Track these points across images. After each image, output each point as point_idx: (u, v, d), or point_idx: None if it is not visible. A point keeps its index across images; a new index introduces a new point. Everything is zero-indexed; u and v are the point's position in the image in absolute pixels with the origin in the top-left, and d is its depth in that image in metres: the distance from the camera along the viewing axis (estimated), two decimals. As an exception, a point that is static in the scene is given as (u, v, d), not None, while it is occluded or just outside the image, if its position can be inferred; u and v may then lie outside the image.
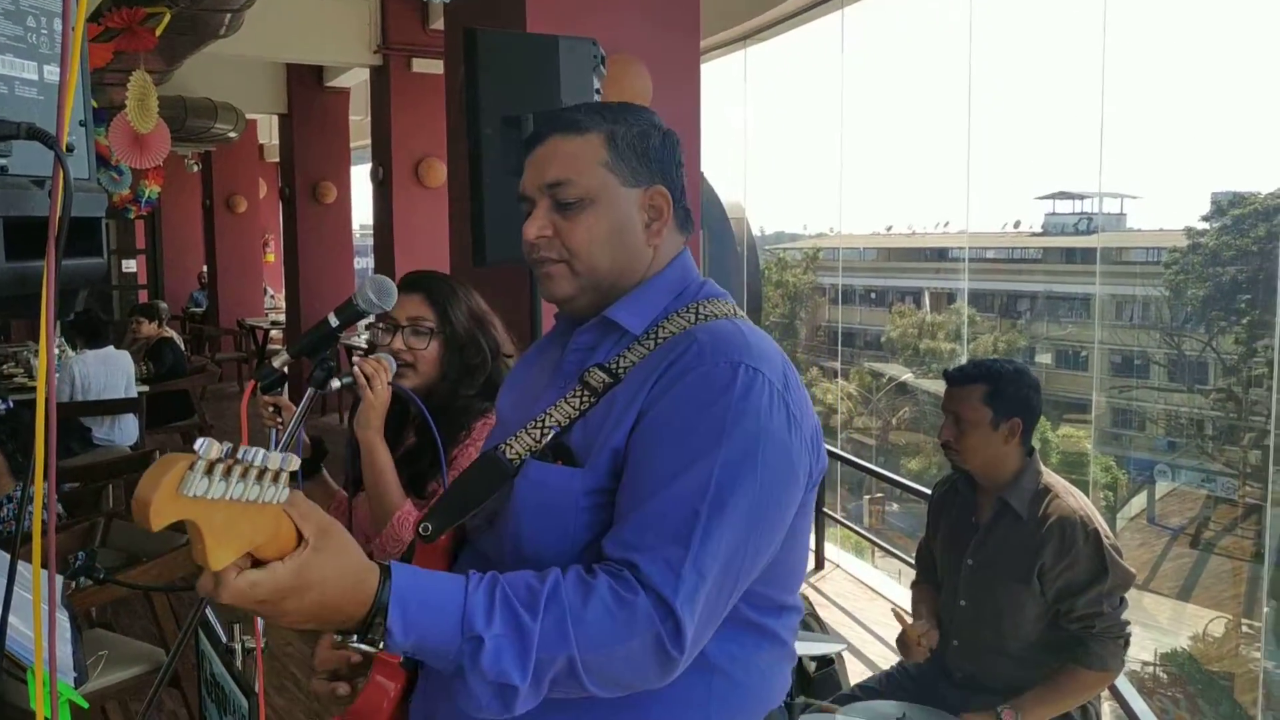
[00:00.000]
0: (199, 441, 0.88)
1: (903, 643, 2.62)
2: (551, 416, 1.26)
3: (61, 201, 0.96)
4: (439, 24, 6.93)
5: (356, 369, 1.95)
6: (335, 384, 1.89)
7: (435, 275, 2.19)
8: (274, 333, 11.49)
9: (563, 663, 1.09)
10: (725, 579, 1.16)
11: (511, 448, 1.25)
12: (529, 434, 1.26)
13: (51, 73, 1.05)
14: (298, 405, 1.85)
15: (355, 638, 1.07)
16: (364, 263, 12.96)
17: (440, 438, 1.78)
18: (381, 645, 1.07)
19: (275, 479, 0.94)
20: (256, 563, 1.00)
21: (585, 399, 1.25)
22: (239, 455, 0.90)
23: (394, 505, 1.97)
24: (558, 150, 1.31)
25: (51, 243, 0.96)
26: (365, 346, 2.19)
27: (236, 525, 0.93)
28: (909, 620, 2.66)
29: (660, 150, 1.33)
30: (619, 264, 1.31)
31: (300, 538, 1.01)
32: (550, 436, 1.25)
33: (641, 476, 1.18)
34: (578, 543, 1.21)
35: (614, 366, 1.26)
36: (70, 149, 1.03)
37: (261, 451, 0.92)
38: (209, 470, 0.89)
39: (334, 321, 1.64)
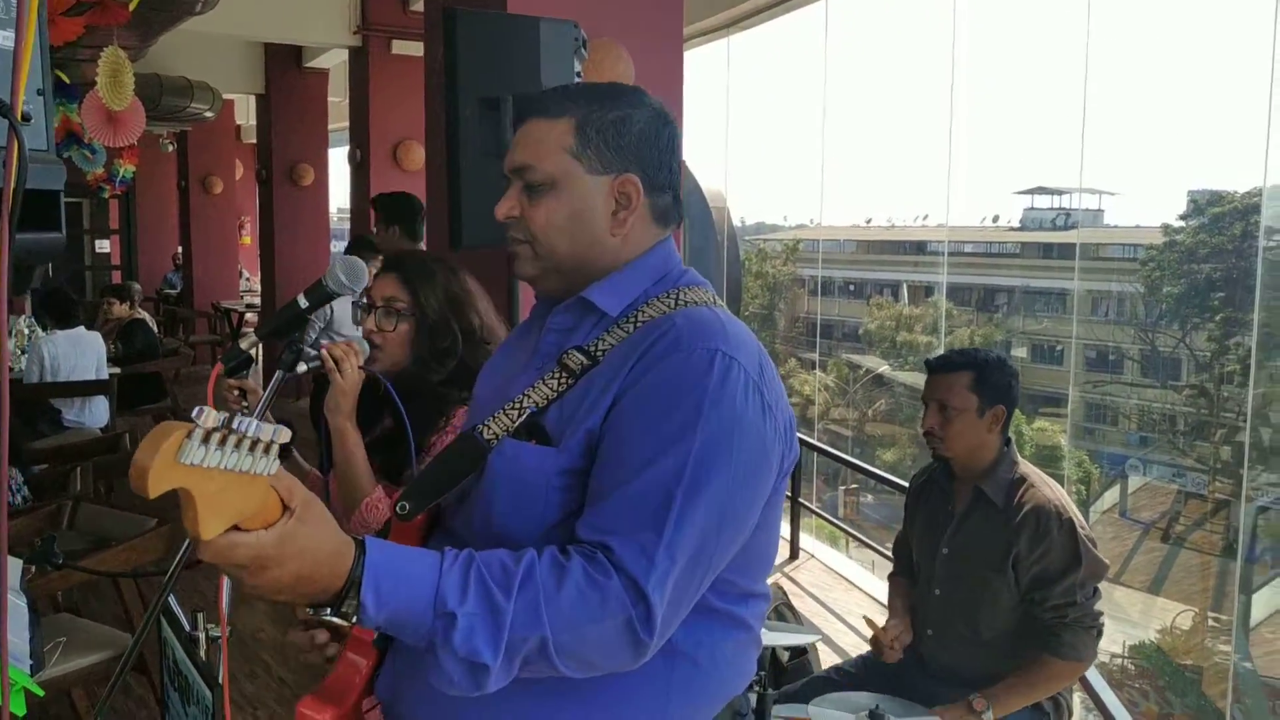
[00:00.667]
0: (197, 409, 0.89)
1: (876, 644, 2.63)
2: (529, 397, 1.26)
3: (16, 173, 0.93)
4: (419, 5, 6.87)
5: (325, 352, 1.91)
6: (301, 367, 1.86)
7: (414, 255, 2.17)
8: (249, 315, 11.39)
9: (535, 643, 1.09)
10: (697, 564, 1.17)
11: (489, 428, 1.26)
12: (506, 414, 1.26)
13: (6, 38, 1.01)
14: (267, 388, 1.81)
15: (329, 611, 1.08)
16: (341, 246, 12.87)
17: (410, 423, 1.75)
18: (355, 620, 1.08)
19: (266, 450, 0.94)
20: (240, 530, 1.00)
21: (563, 380, 1.25)
22: (234, 425, 0.91)
23: (363, 491, 1.94)
24: (530, 134, 1.31)
25: (5, 216, 0.92)
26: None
27: (227, 495, 0.94)
28: (880, 626, 2.66)
29: (639, 138, 1.30)
30: (578, 249, 1.30)
31: (285, 508, 1.02)
32: (526, 416, 1.24)
33: (616, 460, 1.18)
34: (548, 522, 1.22)
35: (592, 349, 1.26)
36: (26, 118, 1.00)
37: (256, 422, 0.92)
38: (205, 439, 0.89)
39: (303, 303, 1.61)
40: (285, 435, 0.95)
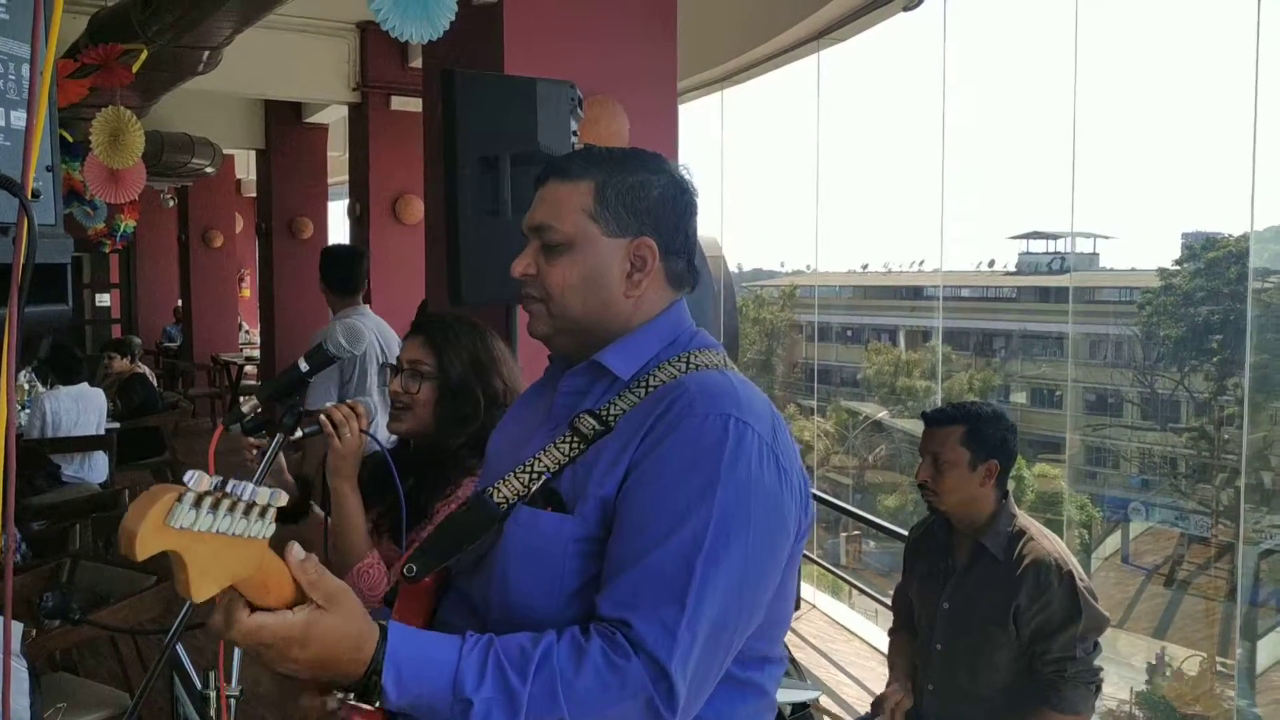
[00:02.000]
0: (189, 474, 0.90)
1: (877, 709, 2.63)
2: (541, 461, 1.26)
3: (25, 249, 0.95)
4: (418, 62, 6.96)
5: (323, 417, 1.89)
6: (298, 433, 1.85)
7: (442, 318, 2.14)
8: (248, 368, 11.41)
9: None
10: (720, 637, 1.16)
11: (500, 491, 1.26)
12: (518, 478, 1.26)
13: (19, 119, 1.04)
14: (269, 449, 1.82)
15: (353, 696, 1.09)
16: (341, 298, 12.92)
17: (421, 488, 1.73)
18: (377, 704, 1.09)
19: (262, 514, 0.95)
20: (256, 607, 1.01)
21: (575, 445, 1.26)
22: (227, 489, 0.91)
23: (357, 555, 1.93)
24: (549, 194, 1.33)
25: (15, 291, 0.95)
26: None
27: (220, 558, 0.94)
28: (880, 694, 2.66)
29: (656, 203, 1.32)
30: (592, 310, 1.31)
31: (298, 588, 1.03)
32: (541, 482, 1.25)
33: (634, 532, 1.18)
34: (565, 589, 1.22)
35: (604, 414, 1.26)
36: (36, 195, 1.02)
37: (250, 486, 0.93)
38: (197, 502, 0.89)
39: (304, 366, 1.63)
40: (282, 499, 0.95)
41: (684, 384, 1.24)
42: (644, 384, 1.27)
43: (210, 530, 0.91)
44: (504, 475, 1.27)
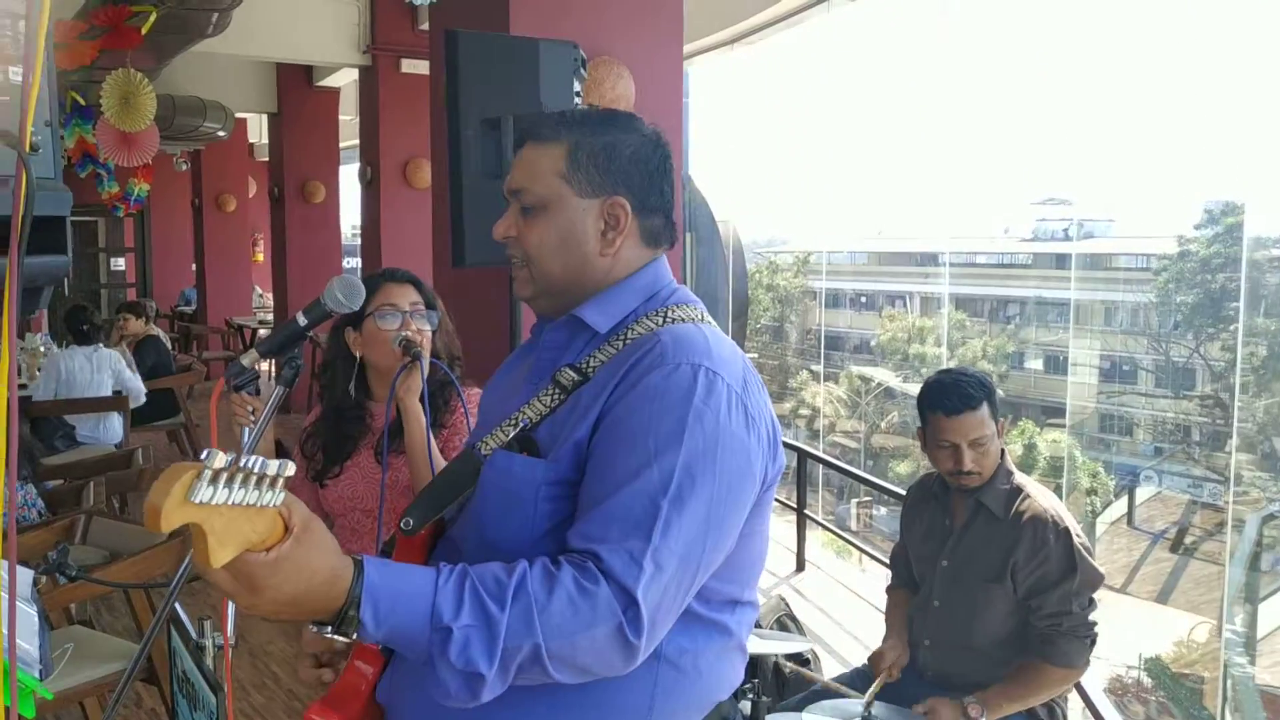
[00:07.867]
0: (205, 452, 0.96)
1: (875, 665, 2.66)
2: (524, 414, 1.31)
3: (24, 201, 0.98)
4: (428, 25, 6.95)
5: (424, 340, 2.19)
6: (425, 359, 2.11)
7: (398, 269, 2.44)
8: (262, 331, 11.49)
9: (528, 651, 1.13)
10: (684, 572, 1.20)
11: (487, 444, 1.31)
12: (503, 430, 1.32)
13: (17, 73, 1.06)
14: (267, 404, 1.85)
15: (330, 629, 1.13)
16: (354, 263, 12.98)
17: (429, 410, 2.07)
18: (354, 636, 1.13)
19: (273, 484, 1.01)
20: None
21: (556, 396, 1.31)
22: (241, 463, 0.97)
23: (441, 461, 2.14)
24: (526, 157, 1.37)
25: (14, 242, 0.98)
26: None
27: (236, 526, 1.01)
28: (876, 650, 2.68)
29: (629, 162, 1.35)
30: (569, 270, 1.35)
31: (286, 530, 1.07)
32: (519, 430, 1.30)
33: (604, 472, 1.22)
34: (537, 531, 1.26)
35: (584, 366, 1.31)
36: (35, 149, 1.05)
37: (261, 459, 0.99)
38: (214, 478, 0.96)
39: (302, 321, 1.66)
40: (290, 469, 1.01)
41: (658, 336, 1.28)
42: (622, 337, 1.32)
43: (227, 503, 0.98)
44: (492, 430, 1.33)
